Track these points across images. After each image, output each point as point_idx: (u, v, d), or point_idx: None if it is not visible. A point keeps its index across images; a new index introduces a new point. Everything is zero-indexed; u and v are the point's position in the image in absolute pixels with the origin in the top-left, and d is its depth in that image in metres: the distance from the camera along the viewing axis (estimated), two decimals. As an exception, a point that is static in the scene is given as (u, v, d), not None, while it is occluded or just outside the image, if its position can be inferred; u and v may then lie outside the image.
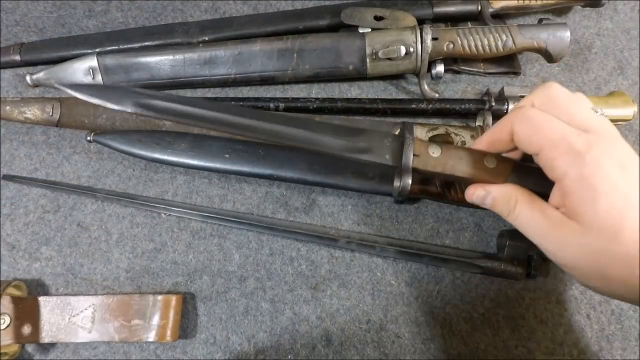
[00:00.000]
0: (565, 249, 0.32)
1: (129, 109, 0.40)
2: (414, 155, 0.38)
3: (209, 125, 0.40)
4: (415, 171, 0.38)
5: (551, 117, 0.32)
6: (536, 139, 0.32)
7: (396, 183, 0.39)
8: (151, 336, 0.45)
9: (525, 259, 0.44)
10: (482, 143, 0.37)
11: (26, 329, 0.45)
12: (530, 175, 0.36)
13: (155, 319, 0.46)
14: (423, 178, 0.45)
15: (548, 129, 0.31)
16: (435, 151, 0.38)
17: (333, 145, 0.39)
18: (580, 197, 0.30)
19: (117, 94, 0.41)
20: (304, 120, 0.42)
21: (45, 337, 0.46)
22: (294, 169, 0.48)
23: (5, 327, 0.44)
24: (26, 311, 0.46)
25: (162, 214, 0.51)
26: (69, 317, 0.46)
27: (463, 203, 0.47)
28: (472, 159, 0.37)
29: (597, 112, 0.34)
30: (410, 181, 0.39)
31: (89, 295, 0.48)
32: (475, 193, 0.37)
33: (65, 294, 0.49)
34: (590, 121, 0.31)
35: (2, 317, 0.44)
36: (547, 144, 0.31)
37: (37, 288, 0.50)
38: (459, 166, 0.37)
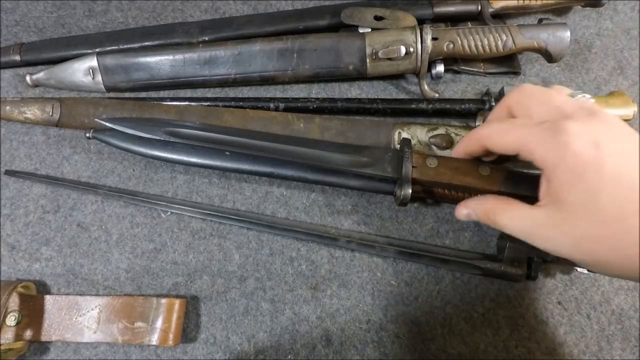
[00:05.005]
0: (553, 242, 0.32)
1: (159, 136, 0.47)
2: (412, 167, 0.41)
3: (230, 148, 0.46)
4: (414, 181, 0.41)
5: (512, 120, 0.35)
6: (508, 144, 0.34)
7: (398, 192, 0.42)
8: (154, 339, 0.45)
9: (525, 260, 0.44)
10: (459, 154, 0.41)
11: (34, 327, 0.46)
12: (524, 179, 0.38)
13: (158, 323, 0.46)
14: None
15: (514, 132, 0.33)
16: (432, 162, 0.41)
17: (339, 161, 0.44)
18: (560, 181, 0.30)
19: (150, 124, 0.47)
20: (314, 140, 0.47)
21: (53, 335, 0.46)
22: (294, 167, 0.48)
23: (14, 325, 0.44)
24: (35, 309, 0.46)
25: (162, 214, 0.51)
26: (76, 317, 0.47)
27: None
28: (467, 168, 0.40)
29: (579, 95, 0.35)
30: (410, 191, 0.41)
31: (95, 295, 0.48)
32: (461, 212, 0.39)
33: (68, 294, 0.49)
34: (563, 108, 0.32)
35: (11, 314, 0.45)
36: (520, 144, 0.33)
37: (39, 288, 0.50)
38: (455, 175, 0.40)
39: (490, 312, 0.47)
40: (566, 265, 0.46)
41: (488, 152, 0.38)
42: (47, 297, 0.47)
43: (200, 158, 0.49)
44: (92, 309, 0.47)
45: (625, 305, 0.46)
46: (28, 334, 0.45)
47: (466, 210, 0.39)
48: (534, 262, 0.43)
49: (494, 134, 0.35)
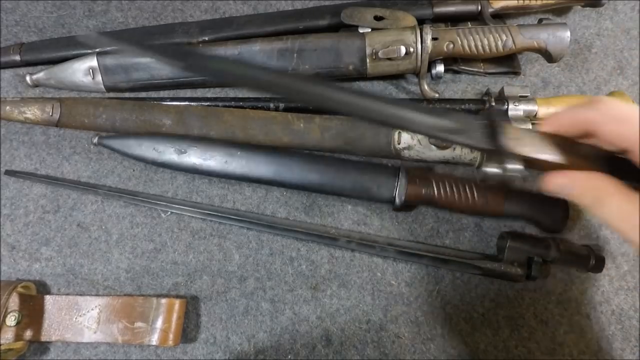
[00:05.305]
0: None
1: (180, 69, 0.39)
2: (510, 138, 0.34)
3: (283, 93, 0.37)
4: (510, 155, 0.34)
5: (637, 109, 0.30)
6: (628, 134, 0.30)
7: (492, 170, 0.34)
8: (154, 339, 0.45)
9: (525, 260, 0.44)
10: (551, 130, 0.34)
11: (34, 327, 0.46)
12: (628, 166, 0.32)
13: (158, 323, 0.46)
14: (424, 183, 0.46)
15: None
16: (530, 134, 0.34)
17: (423, 123, 0.34)
18: None
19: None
20: (385, 97, 0.37)
21: (53, 335, 0.46)
22: (292, 174, 0.48)
23: (15, 325, 0.44)
24: (35, 309, 0.46)
25: (162, 214, 0.51)
26: (76, 317, 0.47)
27: (461, 210, 0.47)
28: (568, 145, 0.34)
29: None
30: (518, 166, 0.33)
31: (95, 295, 0.48)
32: (557, 182, 0.33)
33: (68, 294, 0.49)
34: None
35: (11, 314, 0.45)
36: None
37: (39, 288, 0.50)
38: (557, 152, 0.33)
39: (490, 312, 0.47)
40: (566, 265, 0.46)
41: (585, 137, 0.33)
42: (47, 297, 0.47)
43: (203, 163, 0.49)
44: (92, 309, 0.47)
45: (625, 305, 0.46)
46: (28, 334, 0.45)
47: (565, 180, 0.32)
48: (534, 262, 0.43)
49: (613, 121, 0.30)
